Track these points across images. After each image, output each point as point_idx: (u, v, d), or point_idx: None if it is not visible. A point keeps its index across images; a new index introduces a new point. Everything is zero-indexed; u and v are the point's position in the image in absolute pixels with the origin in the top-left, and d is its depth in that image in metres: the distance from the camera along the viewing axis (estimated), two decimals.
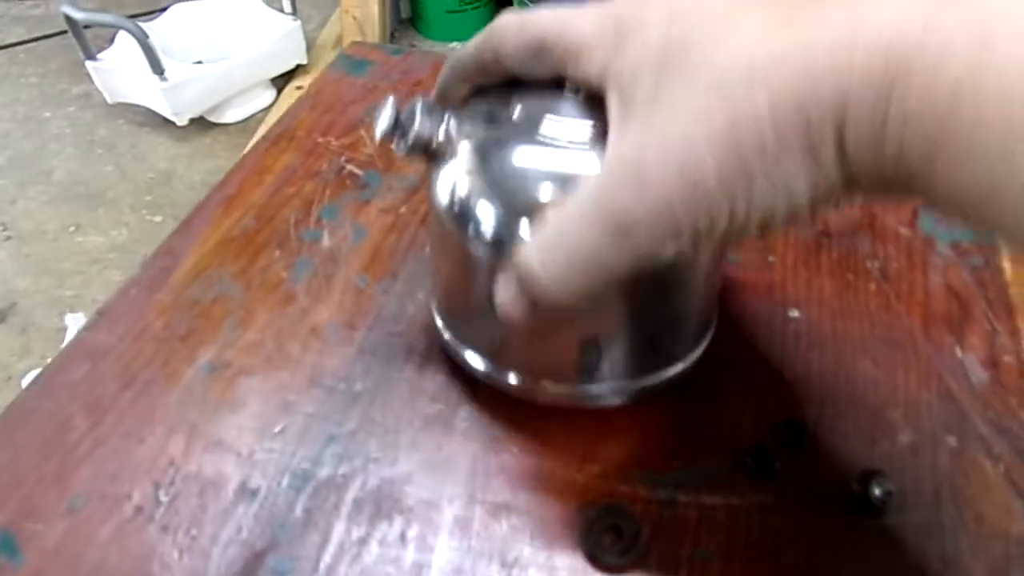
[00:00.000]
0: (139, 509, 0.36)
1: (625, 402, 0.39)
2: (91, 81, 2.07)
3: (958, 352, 0.43)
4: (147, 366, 0.42)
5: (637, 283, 0.35)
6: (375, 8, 2.11)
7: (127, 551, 0.34)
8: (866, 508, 0.36)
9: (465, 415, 0.40)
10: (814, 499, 0.36)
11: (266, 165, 0.55)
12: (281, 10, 2.08)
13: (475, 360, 0.40)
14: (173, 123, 2.01)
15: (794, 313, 0.45)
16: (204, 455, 0.38)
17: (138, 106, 2.09)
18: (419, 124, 0.35)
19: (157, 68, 1.87)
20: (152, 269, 0.47)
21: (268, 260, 0.48)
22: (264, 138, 0.57)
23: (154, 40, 1.83)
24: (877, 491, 0.35)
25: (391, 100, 0.35)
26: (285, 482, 0.37)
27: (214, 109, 2.10)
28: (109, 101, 2.09)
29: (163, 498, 0.36)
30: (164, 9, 2.16)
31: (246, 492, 0.36)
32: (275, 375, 0.41)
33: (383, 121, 0.35)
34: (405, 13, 2.50)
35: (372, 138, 0.44)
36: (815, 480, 0.37)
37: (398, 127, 0.35)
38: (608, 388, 0.39)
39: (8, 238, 1.87)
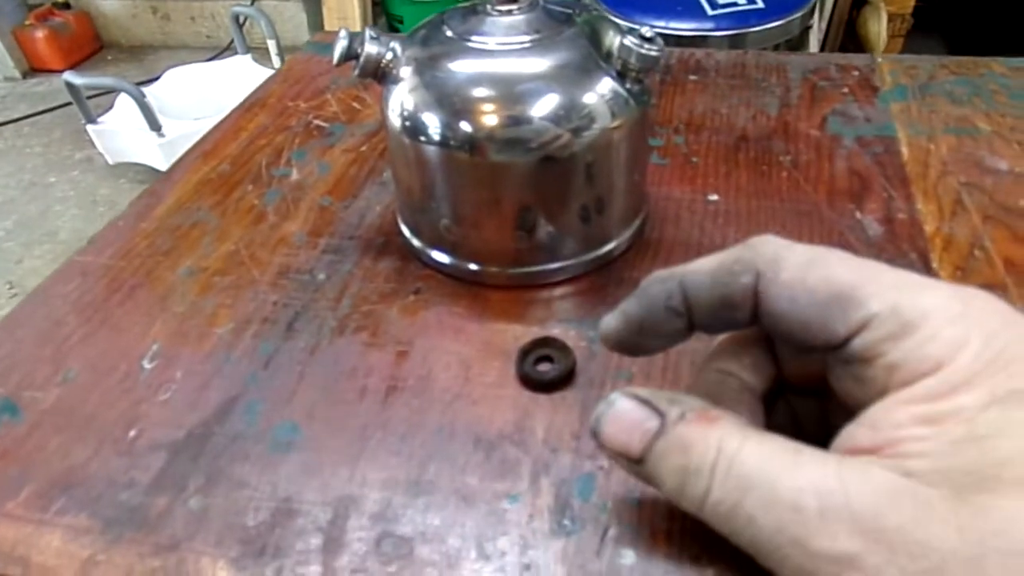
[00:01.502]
0: (126, 374, 0.40)
1: (561, 278, 0.44)
2: (92, 146, 2.18)
3: (857, 215, 0.47)
4: (133, 275, 0.47)
5: (567, 174, 0.41)
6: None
7: (115, 406, 0.38)
8: None
9: (417, 289, 0.44)
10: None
11: (240, 126, 0.61)
12: (272, 68, 2.20)
13: (434, 253, 0.45)
14: None
15: (713, 197, 0.50)
16: (184, 335, 0.42)
17: (138, 165, 2.19)
18: (368, 48, 0.41)
19: (155, 125, 1.97)
20: (136, 206, 0.53)
21: (242, 193, 0.53)
22: (238, 107, 0.63)
23: (151, 101, 1.94)
24: None
25: (344, 30, 0.42)
26: (256, 348, 0.41)
27: None
28: (110, 162, 2.19)
29: (147, 366, 0.41)
30: (159, 76, 2.29)
31: (220, 356, 0.41)
32: (247, 274, 0.46)
33: (338, 48, 0.41)
34: None
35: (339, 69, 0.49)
36: None
37: (351, 53, 0.41)
38: (547, 268, 0.44)
39: (15, 295, 1.94)
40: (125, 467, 0.35)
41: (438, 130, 0.40)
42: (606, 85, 0.40)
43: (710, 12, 1.42)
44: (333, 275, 0.46)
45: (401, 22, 2.34)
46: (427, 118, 0.40)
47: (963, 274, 0.42)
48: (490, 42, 0.40)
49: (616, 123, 0.40)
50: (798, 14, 1.42)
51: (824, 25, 1.99)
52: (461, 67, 0.41)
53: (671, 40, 1.34)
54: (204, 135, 0.60)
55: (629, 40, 0.39)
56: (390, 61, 0.42)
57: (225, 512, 0.33)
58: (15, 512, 0.34)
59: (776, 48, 1.44)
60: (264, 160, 0.56)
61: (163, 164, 2.03)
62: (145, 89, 2.06)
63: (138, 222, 0.51)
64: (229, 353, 0.41)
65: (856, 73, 0.62)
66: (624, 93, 0.40)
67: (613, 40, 0.40)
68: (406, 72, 0.42)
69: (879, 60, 0.64)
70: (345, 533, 0.32)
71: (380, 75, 0.43)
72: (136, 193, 2.21)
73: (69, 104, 2.10)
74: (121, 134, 2.09)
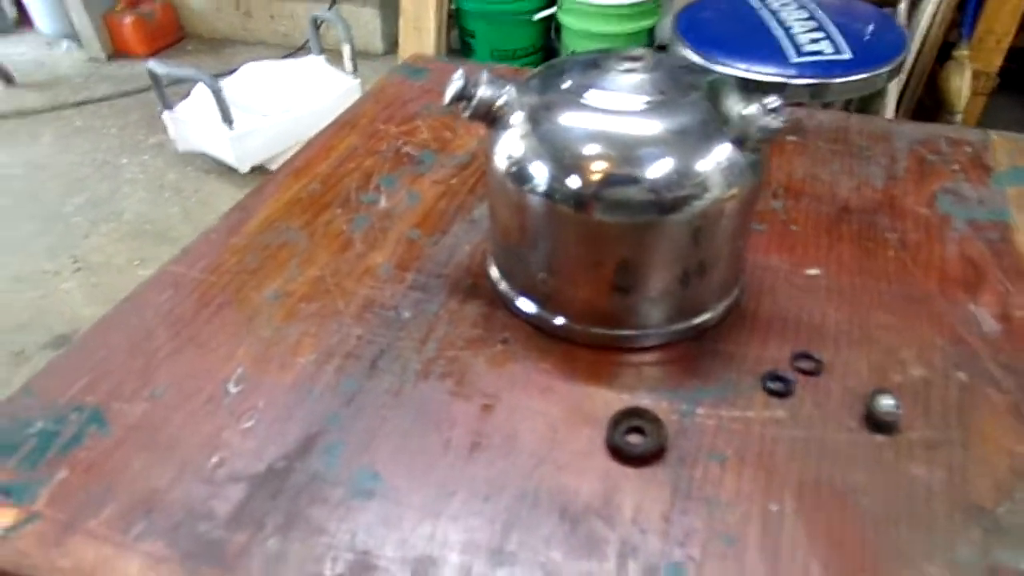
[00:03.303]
0: (211, 397, 0.40)
1: (654, 344, 0.43)
2: (165, 133, 2.24)
3: (972, 308, 0.45)
4: (221, 292, 0.47)
5: (672, 240, 0.39)
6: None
7: (199, 430, 0.38)
8: (876, 425, 0.38)
9: (504, 339, 0.43)
10: (827, 417, 0.39)
11: (331, 145, 0.61)
12: (344, 70, 2.23)
13: (523, 301, 0.44)
14: (236, 171, 2.14)
15: (813, 271, 0.48)
16: (268, 360, 0.42)
17: (206, 155, 2.24)
18: (482, 91, 0.41)
19: (227, 118, 2.02)
20: (227, 221, 0.53)
21: (331, 216, 0.53)
22: (330, 125, 0.64)
23: (226, 94, 1.99)
24: (885, 403, 0.37)
25: (460, 71, 0.41)
26: (339, 383, 0.41)
27: (274, 158, 2.24)
28: (180, 149, 2.25)
29: (232, 390, 0.40)
30: (235, 69, 2.34)
31: (303, 388, 0.40)
32: (332, 303, 0.46)
33: (452, 87, 0.41)
34: None
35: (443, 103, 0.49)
36: (830, 403, 0.39)
37: (465, 94, 0.41)
38: (640, 332, 0.43)
39: (79, 269, 1.99)
40: (205, 496, 0.35)
41: (546, 181, 0.39)
42: (723, 152, 0.39)
43: (794, 59, 1.39)
44: (419, 315, 0.45)
45: (473, 36, 2.36)
46: (535, 168, 0.40)
47: None
48: (608, 98, 0.40)
49: (729, 193, 0.39)
50: (885, 68, 1.38)
51: (904, 78, 1.94)
52: (576, 121, 0.40)
53: (750, 85, 1.32)
54: (294, 155, 0.60)
55: (753, 108, 0.38)
56: (503, 105, 0.41)
57: (303, 559, 0.32)
58: (97, 531, 0.33)
59: (849, 102, 1.40)
60: (354, 184, 0.56)
61: (229, 156, 2.08)
62: (222, 82, 2.11)
63: (229, 236, 0.51)
64: (312, 386, 0.41)
65: (968, 149, 0.60)
66: (741, 162, 0.39)
67: (735, 106, 0.39)
68: (518, 118, 0.41)
69: (993, 137, 0.61)
70: None
71: (491, 118, 0.42)
72: (202, 182, 2.25)
73: (148, 89, 2.16)
74: (194, 123, 2.14)
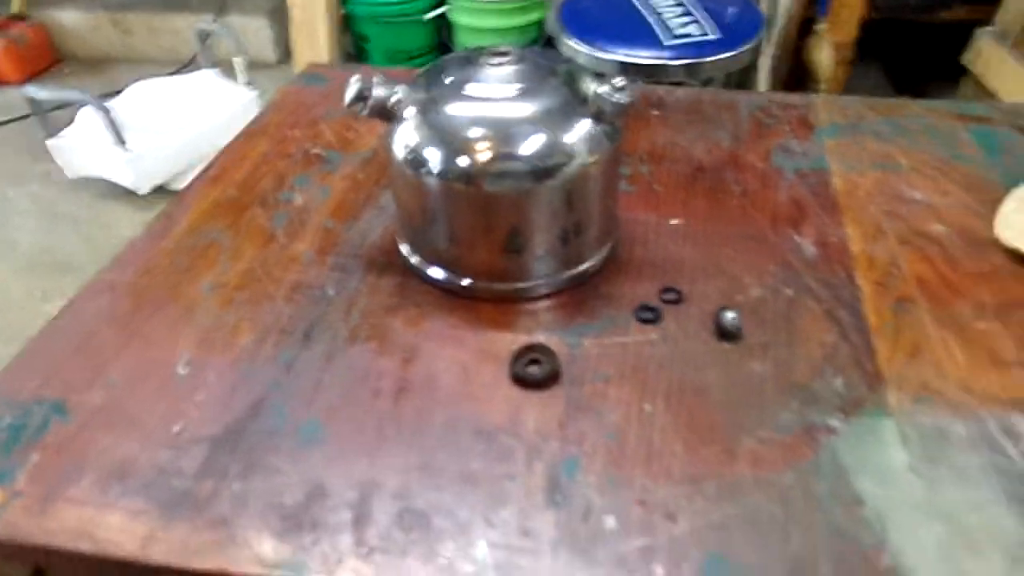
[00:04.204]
0: (163, 382, 0.45)
1: (545, 292, 0.51)
2: (51, 160, 2.16)
3: (796, 239, 0.55)
4: (157, 291, 0.52)
5: (550, 203, 0.47)
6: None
7: (156, 407, 0.43)
8: (725, 335, 0.47)
9: (417, 303, 0.50)
10: (688, 335, 0.48)
11: (244, 153, 0.66)
12: (238, 82, 2.22)
13: (431, 270, 0.51)
14: (134, 193, 2.10)
15: (675, 221, 0.57)
16: (211, 344, 0.47)
17: (99, 180, 2.18)
18: (377, 92, 0.47)
19: (120, 140, 1.98)
20: (152, 229, 0.57)
21: (252, 215, 0.59)
22: (239, 135, 0.68)
23: (115, 115, 1.95)
24: (730, 317, 0.47)
25: (357, 75, 0.48)
26: (277, 356, 0.47)
27: (175, 177, 2.21)
28: (70, 176, 2.18)
29: (181, 372, 0.46)
30: (121, 90, 2.28)
31: (246, 363, 0.46)
32: (263, 290, 0.52)
33: (351, 90, 0.47)
34: None
35: (343, 106, 0.54)
36: (689, 324, 0.48)
37: (362, 95, 0.47)
38: (533, 284, 0.51)
39: None
40: (172, 458, 0.40)
41: (439, 164, 0.47)
42: (583, 127, 0.47)
43: (666, 42, 1.51)
44: (342, 291, 0.51)
45: (367, 40, 2.39)
46: (429, 153, 0.47)
47: (883, 288, 0.50)
48: (484, 89, 0.47)
49: (592, 159, 0.47)
50: (749, 45, 1.52)
51: (775, 52, 2.12)
52: (460, 111, 0.47)
53: (631, 68, 1.43)
54: (208, 163, 0.64)
55: (603, 89, 0.47)
56: (396, 103, 0.48)
57: (265, 493, 0.39)
58: (77, 497, 0.38)
59: (729, 76, 1.54)
60: (269, 186, 0.62)
61: (128, 179, 2.03)
62: (108, 103, 2.06)
63: (157, 242, 0.56)
64: (254, 360, 0.46)
65: (796, 111, 0.71)
66: (598, 133, 0.47)
67: (589, 87, 0.47)
68: (410, 113, 0.48)
69: (816, 99, 0.73)
70: (371, 509, 0.38)
71: (387, 115, 0.49)
72: (99, 208, 2.19)
73: (26, 117, 2.09)
74: (82, 149, 2.08)
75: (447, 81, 0.48)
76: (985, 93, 1.66)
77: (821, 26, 2.06)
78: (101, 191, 2.32)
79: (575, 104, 0.47)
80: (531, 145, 0.46)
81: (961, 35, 1.78)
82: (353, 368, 0.46)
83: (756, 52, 1.62)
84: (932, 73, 2.31)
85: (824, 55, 2.07)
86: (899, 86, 2.36)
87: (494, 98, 0.47)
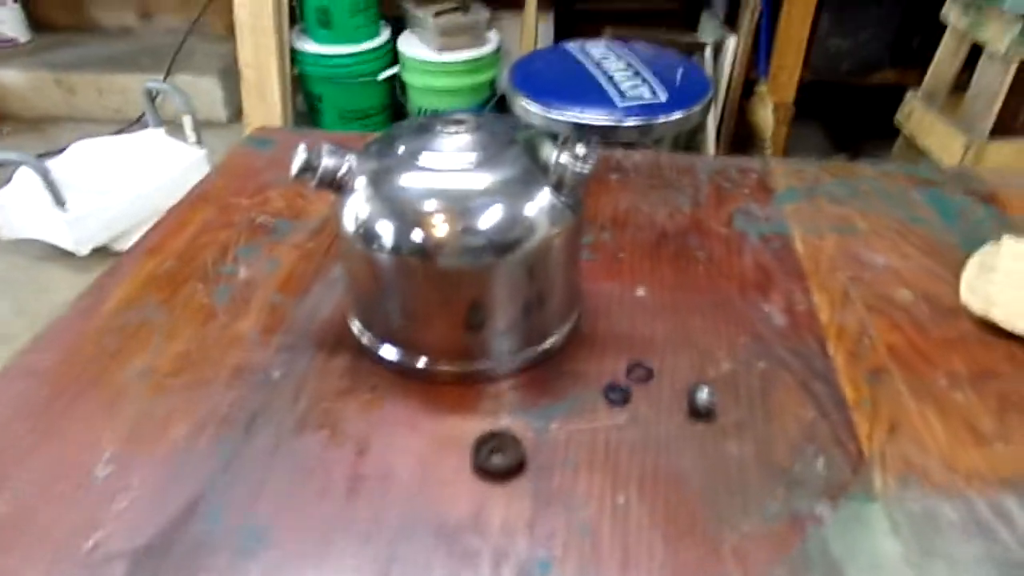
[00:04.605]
0: (78, 486, 0.40)
1: (508, 371, 0.48)
2: None
3: (765, 307, 0.54)
4: (79, 378, 0.47)
5: (510, 278, 0.45)
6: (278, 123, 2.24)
7: (66, 518, 0.38)
8: (698, 415, 0.44)
9: (373, 386, 0.47)
10: (659, 416, 0.45)
11: (184, 220, 0.62)
12: (187, 141, 2.17)
13: (385, 349, 0.48)
14: (73, 255, 2.01)
15: (640, 292, 0.55)
16: (138, 440, 0.43)
17: (37, 241, 2.09)
18: (325, 161, 0.45)
19: (59, 200, 1.90)
20: (79, 305, 0.53)
21: (191, 290, 0.54)
22: (180, 201, 0.65)
23: (55, 175, 1.88)
24: (704, 395, 0.44)
25: (302, 144, 0.45)
26: (214, 450, 0.42)
27: (118, 238, 2.12)
28: (5, 237, 2.08)
29: (100, 474, 0.41)
30: (63, 149, 2.21)
31: (177, 460, 0.41)
32: (200, 374, 0.47)
33: (297, 160, 0.44)
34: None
35: (289, 177, 0.51)
36: (660, 403, 0.46)
37: (309, 165, 0.44)
38: (494, 363, 0.48)
39: None
40: None
41: (391, 238, 0.44)
42: (544, 198, 0.45)
43: (619, 104, 1.53)
44: (289, 374, 0.47)
45: (320, 100, 2.38)
46: (381, 227, 0.44)
47: (855, 359, 0.49)
48: (439, 159, 0.45)
49: (555, 231, 0.45)
50: (697, 107, 1.56)
51: (719, 113, 2.19)
52: (414, 182, 0.44)
53: (585, 128, 1.44)
54: (146, 232, 0.60)
55: (565, 157, 0.45)
56: (345, 173, 0.45)
57: None
58: None
59: (678, 137, 1.57)
60: (211, 257, 0.58)
61: (67, 241, 1.95)
62: (48, 163, 1.99)
63: (84, 320, 0.51)
64: (187, 457, 0.42)
65: (754, 175, 0.71)
66: (560, 204, 0.45)
67: (550, 155, 0.45)
68: (360, 183, 0.45)
69: (772, 164, 0.73)
70: None
71: (336, 186, 0.46)
72: (35, 271, 2.09)
73: None
74: (20, 209, 2.00)
75: (400, 150, 0.46)
76: (917, 151, 1.73)
77: (762, 88, 2.15)
78: (38, 252, 2.22)
79: (535, 173, 0.45)
80: (490, 218, 0.43)
81: (893, 96, 1.87)
82: (300, 462, 0.42)
83: (705, 113, 1.66)
84: (868, 132, 2.40)
85: (766, 115, 2.15)
86: (838, 144, 2.45)
87: (450, 168, 0.44)
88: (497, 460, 0.41)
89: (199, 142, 2.23)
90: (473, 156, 0.45)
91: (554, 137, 0.48)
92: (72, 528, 0.38)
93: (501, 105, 2.12)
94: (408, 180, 0.45)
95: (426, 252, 0.43)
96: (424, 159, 0.45)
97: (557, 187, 0.45)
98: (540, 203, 0.45)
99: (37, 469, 0.41)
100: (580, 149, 0.45)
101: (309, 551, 0.37)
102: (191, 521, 0.38)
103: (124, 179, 2.16)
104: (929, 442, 0.43)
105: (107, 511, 0.39)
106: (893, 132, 1.86)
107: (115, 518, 0.38)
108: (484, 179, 0.44)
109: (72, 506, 0.39)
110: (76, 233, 1.99)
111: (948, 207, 0.66)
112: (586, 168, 0.44)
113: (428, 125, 0.47)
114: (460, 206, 0.44)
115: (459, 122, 0.46)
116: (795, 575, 0.36)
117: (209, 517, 0.38)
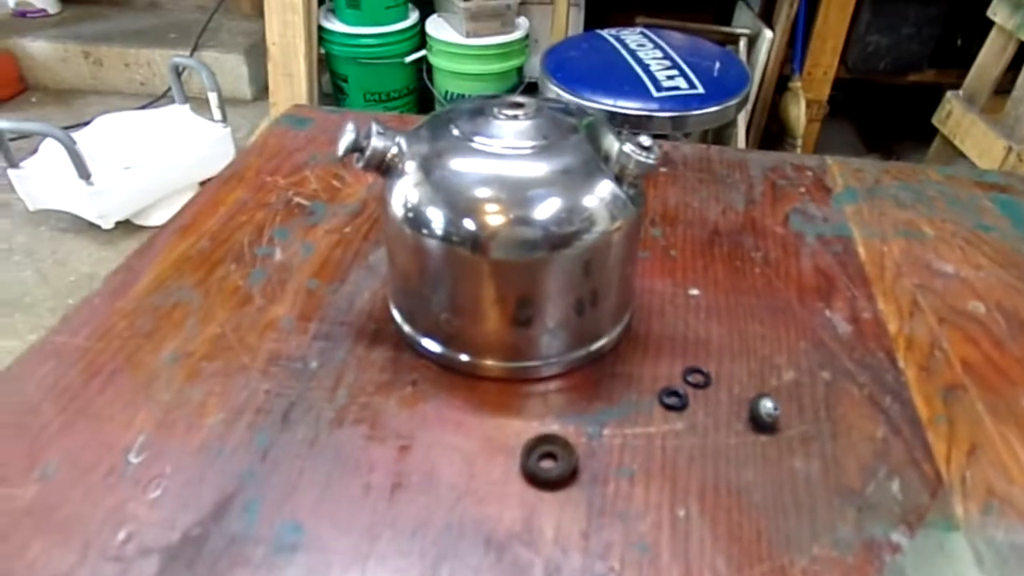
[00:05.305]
0: (110, 471, 0.38)
1: (557, 372, 0.45)
2: (11, 190, 2.07)
3: (827, 313, 0.51)
4: (112, 359, 0.45)
5: (565, 274, 0.42)
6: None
7: (100, 505, 0.36)
8: (760, 426, 0.42)
9: (413, 380, 0.44)
10: (719, 425, 0.42)
11: (218, 200, 0.60)
12: (211, 118, 2.16)
13: (428, 342, 0.45)
14: (98, 228, 2.01)
15: (694, 291, 0.52)
16: (172, 425, 0.41)
17: (61, 213, 2.09)
18: (375, 142, 0.42)
19: (84, 173, 1.89)
20: (111, 284, 0.51)
21: (225, 272, 0.52)
22: (215, 179, 0.62)
23: (80, 147, 1.87)
24: (768, 406, 0.41)
25: (351, 123, 0.42)
26: (251, 440, 0.40)
27: (141, 212, 2.12)
28: (31, 208, 2.08)
29: (133, 460, 0.39)
30: (89, 122, 2.21)
31: (212, 449, 0.39)
32: (235, 360, 0.45)
33: (345, 139, 0.42)
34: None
35: (334, 154, 0.49)
36: (719, 411, 0.43)
37: (357, 145, 0.42)
38: (543, 362, 0.45)
39: None
40: (116, 574, 0.33)
41: (442, 226, 0.41)
42: (605, 189, 0.42)
43: (655, 94, 1.50)
44: (326, 363, 0.45)
45: (346, 80, 2.36)
46: (431, 213, 0.41)
47: (927, 374, 0.46)
48: (496, 144, 0.42)
49: (615, 225, 0.42)
50: (734, 101, 1.52)
51: (750, 108, 2.14)
52: (467, 167, 0.42)
53: (619, 118, 1.40)
54: (180, 210, 0.58)
55: (628, 147, 0.42)
56: (395, 155, 0.43)
57: None
58: None
59: (707, 131, 1.54)
60: (246, 238, 0.56)
61: (91, 213, 1.94)
62: (74, 135, 1.98)
63: (115, 300, 0.49)
64: (222, 445, 0.40)
65: (810, 173, 0.67)
66: (623, 196, 0.43)
67: (612, 145, 0.43)
68: (411, 167, 0.43)
69: (829, 162, 0.70)
70: None
71: (384, 168, 0.43)
72: (58, 242, 2.10)
73: None
74: (45, 180, 2.00)
75: (453, 133, 0.43)
76: (955, 153, 1.68)
77: (796, 83, 2.10)
78: (62, 224, 2.22)
79: (596, 163, 0.43)
80: (547, 209, 0.41)
81: (930, 96, 1.82)
82: (339, 456, 0.40)
83: (740, 107, 1.62)
84: (901, 132, 2.35)
85: (799, 112, 2.10)
86: (869, 143, 2.40)
87: (507, 154, 0.42)
88: (548, 466, 0.39)
89: (224, 120, 2.21)
90: (532, 142, 0.42)
91: (611, 119, 0.46)
92: (103, 517, 0.36)
93: (528, 92, 2.09)
94: (462, 165, 0.42)
95: (478, 242, 0.41)
96: (479, 143, 0.42)
97: (619, 178, 0.42)
98: (601, 194, 0.42)
99: (68, 452, 0.39)
100: (645, 139, 0.42)
101: (351, 549, 0.35)
102: (227, 514, 0.36)
103: (149, 154, 2.15)
104: (1012, 466, 0.40)
105: (140, 500, 0.37)
106: (927, 133, 1.81)
107: (148, 508, 0.36)
108: (542, 167, 0.42)
109: (104, 493, 0.37)
110: (100, 206, 1.99)
111: (1020, 214, 0.62)
112: (651, 159, 0.42)
113: (483, 108, 0.44)
114: (516, 195, 0.41)
115: (518, 105, 0.44)
116: None
117: (245, 511, 0.36)
